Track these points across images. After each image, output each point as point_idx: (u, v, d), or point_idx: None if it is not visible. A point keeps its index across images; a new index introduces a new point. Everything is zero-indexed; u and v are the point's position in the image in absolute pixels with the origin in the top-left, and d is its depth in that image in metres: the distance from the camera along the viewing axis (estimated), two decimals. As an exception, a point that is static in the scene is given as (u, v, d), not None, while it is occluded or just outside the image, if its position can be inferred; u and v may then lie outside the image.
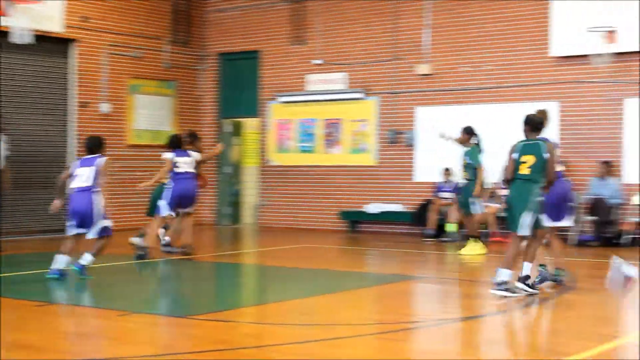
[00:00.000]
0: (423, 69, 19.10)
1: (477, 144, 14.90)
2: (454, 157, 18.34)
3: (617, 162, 16.96)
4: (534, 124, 9.95)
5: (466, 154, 14.86)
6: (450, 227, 17.34)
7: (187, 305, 9.75)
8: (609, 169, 16.63)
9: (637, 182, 16.65)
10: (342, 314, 8.86)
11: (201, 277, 12.56)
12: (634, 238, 16.22)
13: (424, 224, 17.91)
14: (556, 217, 10.65)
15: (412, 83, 19.37)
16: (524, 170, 9.72)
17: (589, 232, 16.21)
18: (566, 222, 10.99)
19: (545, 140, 9.91)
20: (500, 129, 17.28)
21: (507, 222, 10.20)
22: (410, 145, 19.37)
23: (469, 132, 14.91)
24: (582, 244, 16.14)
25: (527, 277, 9.83)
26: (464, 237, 15.22)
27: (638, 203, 16.63)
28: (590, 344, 7.20)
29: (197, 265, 13.31)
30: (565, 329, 8.26)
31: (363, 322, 8.38)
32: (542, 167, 9.64)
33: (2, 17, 16.40)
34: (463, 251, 14.82)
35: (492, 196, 17.58)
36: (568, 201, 10.92)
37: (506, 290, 9.65)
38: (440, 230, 17.52)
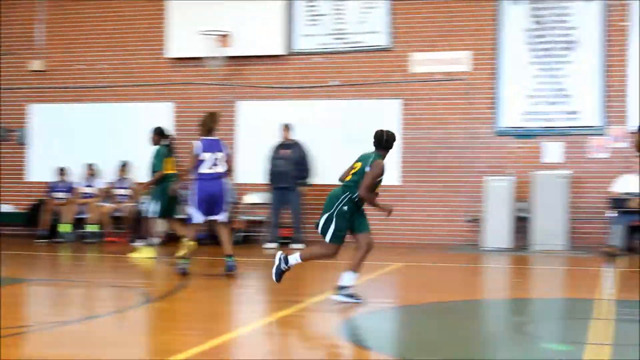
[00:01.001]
0: (36, 65, 18.55)
1: (166, 146, 14.12)
2: (68, 157, 18.06)
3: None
4: (375, 139, 9.69)
5: (153, 154, 13.95)
6: (64, 228, 17.02)
7: None
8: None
9: (248, 182, 17.35)
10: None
11: None
12: (244, 236, 16.91)
13: (36, 225, 17.38)
14: (210, 212, 11.56)
15: (25, 79, 18.75)
16: (349, 176, 9.52)
17: (204, 231, 16.56)
18: (221, 217, 11.68)
19: (375, 153, 9.64)
20: (117, 128, 17.29)
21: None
22: (22, 144, 18.74)
23: (159, 133, 14.14)
24: (197, 241, 16.40)
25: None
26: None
27: (249, 202, 17.37)
28: (200, 340, 7.35)
29: None
30: (180, 326, 8.38)
31: (-31, 329, 7.93)
32: (361, 175, 9.47)
33: None
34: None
35: (108, 196, 17.49)
36: (223, 197, 11.61)
37: (347, 295, 9.41)
38: (54, 231, 17.11)
